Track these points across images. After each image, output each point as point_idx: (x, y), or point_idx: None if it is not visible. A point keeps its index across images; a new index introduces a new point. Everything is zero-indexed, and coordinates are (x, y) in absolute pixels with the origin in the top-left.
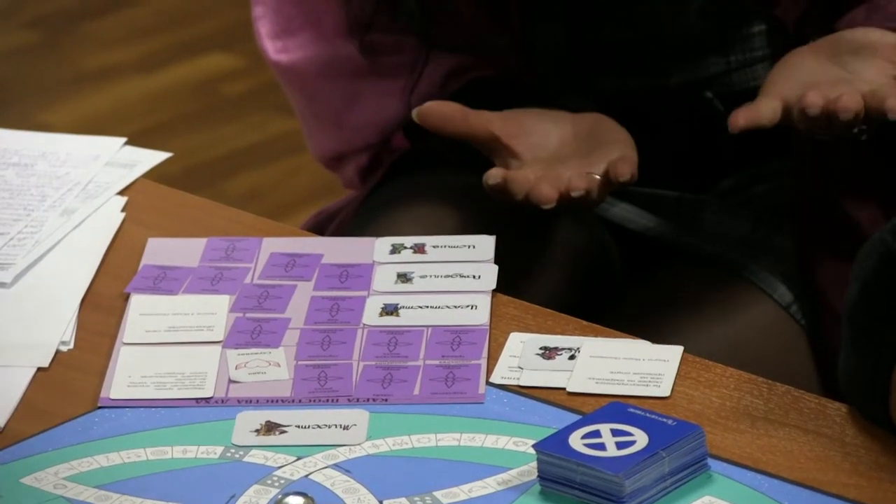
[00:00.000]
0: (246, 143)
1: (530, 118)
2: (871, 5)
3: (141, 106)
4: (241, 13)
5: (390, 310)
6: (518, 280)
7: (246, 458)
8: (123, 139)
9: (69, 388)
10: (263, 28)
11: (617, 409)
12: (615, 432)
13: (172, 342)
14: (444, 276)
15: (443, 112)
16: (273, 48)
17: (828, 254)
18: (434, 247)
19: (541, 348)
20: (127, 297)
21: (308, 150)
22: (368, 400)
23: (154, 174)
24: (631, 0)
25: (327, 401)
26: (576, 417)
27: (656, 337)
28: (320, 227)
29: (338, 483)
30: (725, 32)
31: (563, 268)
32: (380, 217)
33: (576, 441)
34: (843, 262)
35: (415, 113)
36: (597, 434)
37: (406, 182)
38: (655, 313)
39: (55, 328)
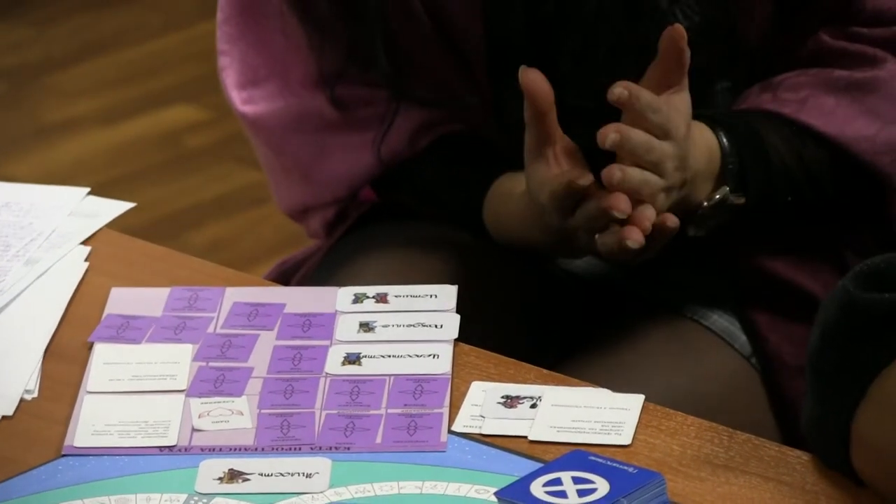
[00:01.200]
0: (209, 195)
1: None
2: (766, 82)
3: (104, 158)
4: (205, 65)
5: (353, 359)
6: (480, 329)
7: None
8: (87, 189)
9: (33, 437)
10: (229, 78)
11: (578, 457)
12: (576, 480)
13: (136, 391)
14: (407, 326)
15: (542, 86)
16: (239, 99)
17: (771, 313)
18: (396, 296)
19: (502, 397)
20: (91, 347)
21: (272, 203)
22: (331, 448)
23: (117, 226)
24: (593, 71)
25: (290, 449)
26: (537, 465)
27: (617, 385)
28: (285, 276)
29: None
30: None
31: (525, 317)
32: (343, 267)
33: (537, 489)
34: (788, 319)
35: (522, 68)
36: (558, 482)
37: (370, 233)
38: (616, 361)
39: (19, 377)
